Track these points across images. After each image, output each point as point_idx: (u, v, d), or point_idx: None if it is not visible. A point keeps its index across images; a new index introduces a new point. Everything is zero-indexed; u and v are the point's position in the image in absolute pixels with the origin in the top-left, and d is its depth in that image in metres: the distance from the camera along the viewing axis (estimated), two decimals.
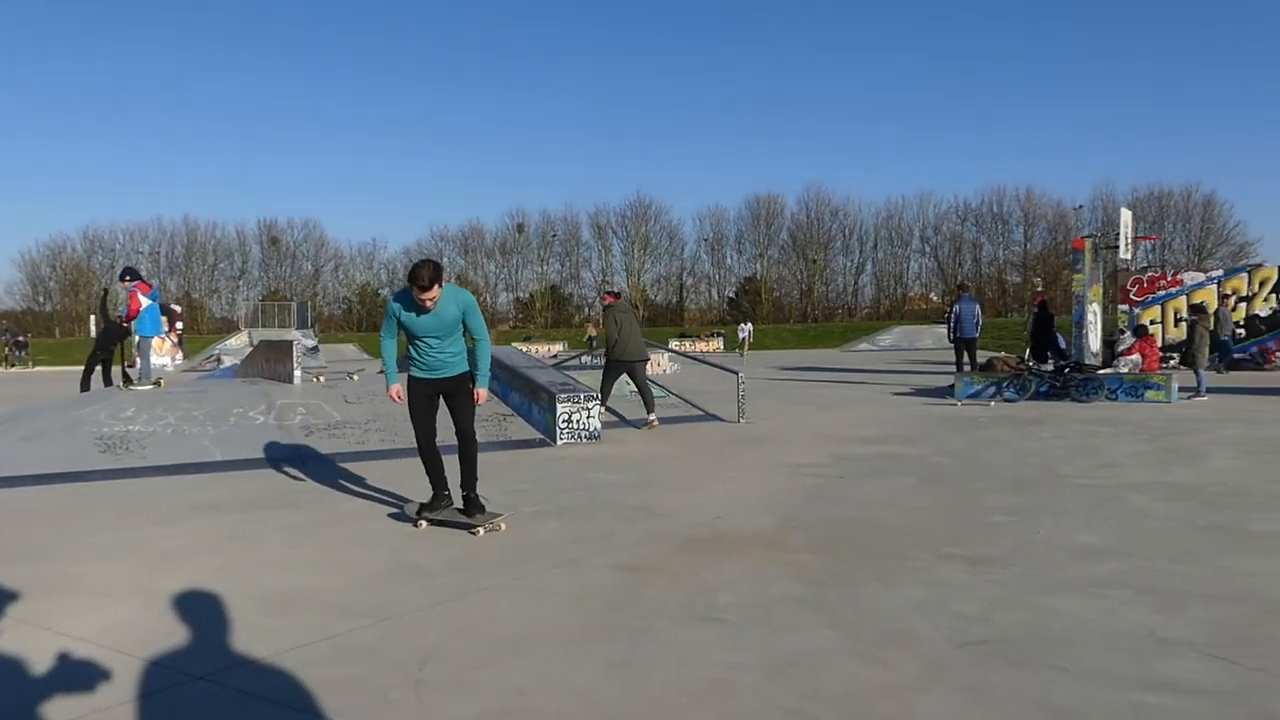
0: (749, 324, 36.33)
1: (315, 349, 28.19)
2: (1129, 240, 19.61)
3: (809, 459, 8.81)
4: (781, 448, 9.72)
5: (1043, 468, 8.07)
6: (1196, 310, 18.43)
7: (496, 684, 3.36)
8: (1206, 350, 15.62)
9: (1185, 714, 3.00)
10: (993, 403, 14.40)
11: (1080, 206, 45.19)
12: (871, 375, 23.23)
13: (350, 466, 8.73)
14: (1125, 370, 15.02)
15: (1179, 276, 24.51)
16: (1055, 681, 3.27)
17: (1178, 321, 23.31)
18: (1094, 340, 17.83)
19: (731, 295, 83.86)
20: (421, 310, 5.85)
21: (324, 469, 8.64)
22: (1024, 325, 27.25)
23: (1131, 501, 6.50)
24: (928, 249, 72.76)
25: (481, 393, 6.15)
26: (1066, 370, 15.04)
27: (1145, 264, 52.02)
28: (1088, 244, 18.34)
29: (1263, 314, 22.95)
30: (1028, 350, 19.89)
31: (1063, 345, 18.76)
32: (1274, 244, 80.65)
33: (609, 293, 13.35)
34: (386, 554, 5.39)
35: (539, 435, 10.62)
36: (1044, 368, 15.91)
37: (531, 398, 11.07)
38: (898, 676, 3.35)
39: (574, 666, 3.51)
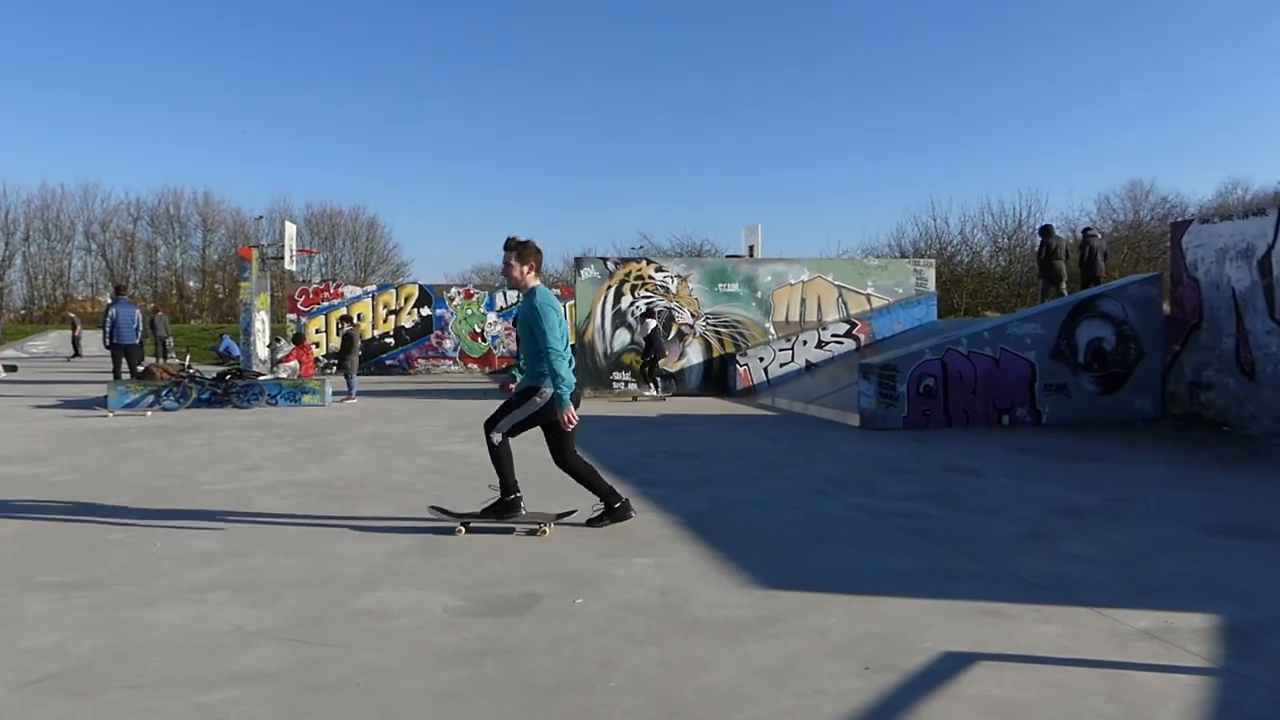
0: None
1: None
2: (294, 252, 20.59)
3: None
4: None
5: (182, 476, 7.89)
6: (347, 320, 20.24)
7: None
8: (358, 357, 17.30)
9: (247, 700, 3.14)
10: (150, 412, 13.66)
11: (260, 217, 46.21)
12: (13, 387, 20.01)
13: None
14: (285, 376, 15.73)
15: (340, 289, 26.82)
16: (119, 702, 3.12)
17: (339, 330, 25.40)
18: (261, 347, 18.32)
19: None
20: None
21: None
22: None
23: (258, 501, 6.74)
24: (95, 247, 65.49)
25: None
26: (229, 377, 15.06)
27: (321, 277, 55.76)
28: (255, 253, 18.77)
29: (408, 325, 26.46)
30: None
31: (235, 353, 18.80)
32: (422, 265, 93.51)
33: None
34: None
35: None
36: (207, 375, 15.68)
37: None
38: None
39: None
